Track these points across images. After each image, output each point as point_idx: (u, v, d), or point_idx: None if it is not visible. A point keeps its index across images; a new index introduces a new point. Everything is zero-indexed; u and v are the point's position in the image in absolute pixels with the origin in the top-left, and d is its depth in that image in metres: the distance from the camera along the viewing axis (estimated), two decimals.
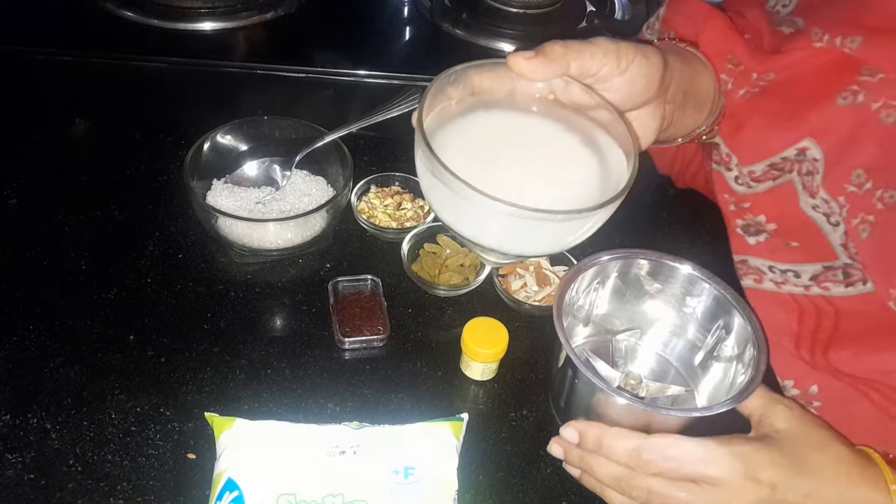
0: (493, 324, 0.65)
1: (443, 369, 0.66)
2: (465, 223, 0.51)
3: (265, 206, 0.74)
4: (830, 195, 0.58)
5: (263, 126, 0.77)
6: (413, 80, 0.91)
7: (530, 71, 0.51)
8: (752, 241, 0.64)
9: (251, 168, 0.77)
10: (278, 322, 0.69)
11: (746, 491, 0.49)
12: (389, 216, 0.77)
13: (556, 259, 0.75)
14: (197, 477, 0.57)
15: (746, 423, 0.55)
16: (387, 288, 0.71)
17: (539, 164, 0.53)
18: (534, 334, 0.69)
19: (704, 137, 0.66)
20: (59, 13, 0.99)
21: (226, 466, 0.54)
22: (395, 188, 0.81)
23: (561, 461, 0.57)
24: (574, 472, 0.56)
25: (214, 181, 0.76)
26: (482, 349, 0.63)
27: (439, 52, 1.00)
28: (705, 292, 0.60)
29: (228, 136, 0.76)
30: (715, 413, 0.52)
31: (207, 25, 0.98)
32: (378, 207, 0.78)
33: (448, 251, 0.74)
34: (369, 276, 0.70)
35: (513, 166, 0.52)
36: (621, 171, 0.52)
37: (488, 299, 0.72)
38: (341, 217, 0.75)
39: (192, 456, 0.58)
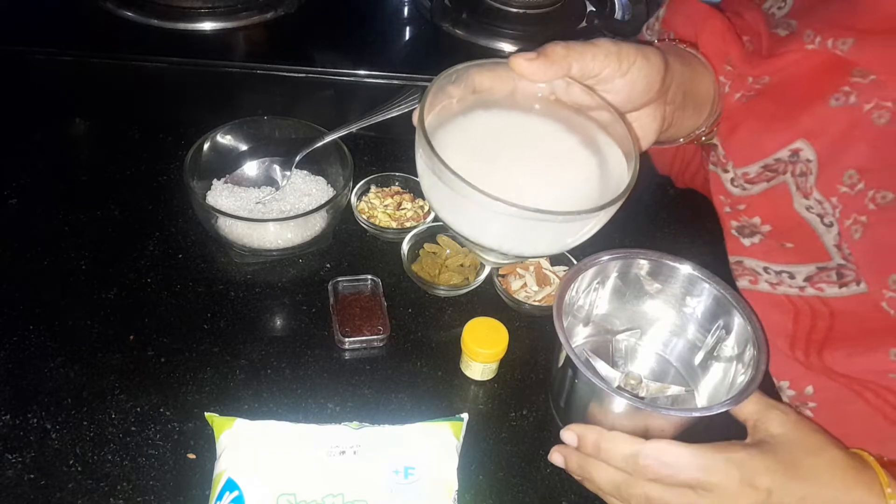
0: (493, 324, 0.65)
1: (443, 369, 0.66)
2: (465, 223, 0.51)
3: (265, 206, 0.74)
4: (824, 196, 0.59)
5: (263, 126, 0.77)
6: (413, 80, 0.91)
7: (532, 72, 0.51)
8: (746, 242, 0.65)
9: (251, 168, 0.77)
10: (278, 322, 0.69)
11: (743, 497, 0.49)
12: (389, 216, 0.77)
13: (556, 259, 0.75)
14: (197, 477, 0.57)
15: (744, 425, 0.55)
16: (387, 288, 0.71)
17: (539, 164, 0.53)
18: (534, 334, 0.69)
19: (704, 139, 0.66)
20: (59, 13, 0.99)
21: (226, 466, 0.54)
22: (395, 188, 0.81)
23: None
24: (576, 477, 0.57)
25: (214, 181, 0.76)
26: (482, 349, 0.63)
27: (439, 52, 1.00)
28: (705, 292, 0.60)
29: (228, 136, 0.76)
30: (714, 413, 0.53)
31: (207, 25, 0.98)
32: (378, 207, 0.78)
33: (448, 251, 0.74)
34: (369, 276, 0.70)
35: (513, 166, 0.52)
36: (622, 172, 0.52)
37: (488, 299, 0.72)
38: (341, 217, 0.75)
39: (192, 456, 0.58)
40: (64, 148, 0.83)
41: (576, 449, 0.55)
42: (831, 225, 0.59)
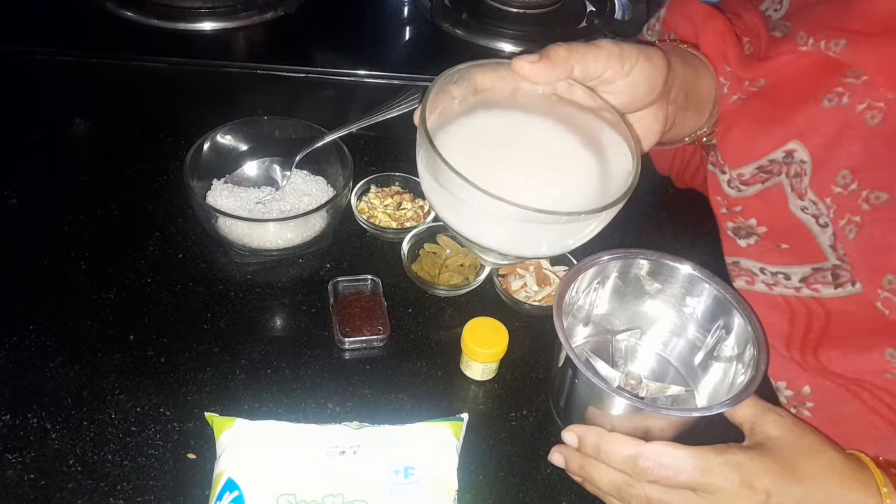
0: (493, 324, 0.65)
1: (443, 369, 0.66)
2: (466, 223, 0.51)
3: (265, 206, 0.74)
4: (818, 197, 0.59)
5: (263, 126, 0.77)
6: (413, 80, 0.91)
7: (534, 75, 0.51)
8: (742, 243, 0.65)
9: (251, 168, 0.77)
10: (278, 322, 0.69)
11: (742, 499, 0.50)
12: (389, 216, 0.77)
13: (556, 259, 0.75)
14: (197, 477, 0.57)
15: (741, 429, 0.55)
16: (387, 288, 0.71)
17: (541, 164, 0.53)
18: (534, 334, 0.69)
19: (705, 139, 0.66)
20: (59, 13, 0.99)
21: (226, 466, 0.54)
22: (395, 188, 0.81)
23: None
24: (576, 478, 0.57)
25: (214, 181, 0.76)
26: (482, 349, 0.63)
27: (439, 52, 1.00)
28: (705, 292, 0.60)
29: (228, 136, 0.76)
30: (715, 413, 0.53)
31: (207, 25, 0.98)
32: (378, 207, 0.78)
33: (448, 251, 0.74)
34: (369, 276, 0.70)
35: (514, 166, 0.52)
36: (623, 173, 0.52)
37: (488, 299, 0.72)
38: (341, 217, 0.75)
39: (192, 456, 0.58)
40: (64, 148, 0.83)
41: (576, 450, 0.55)
42: (826, 226, 0.59)
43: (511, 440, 0.62)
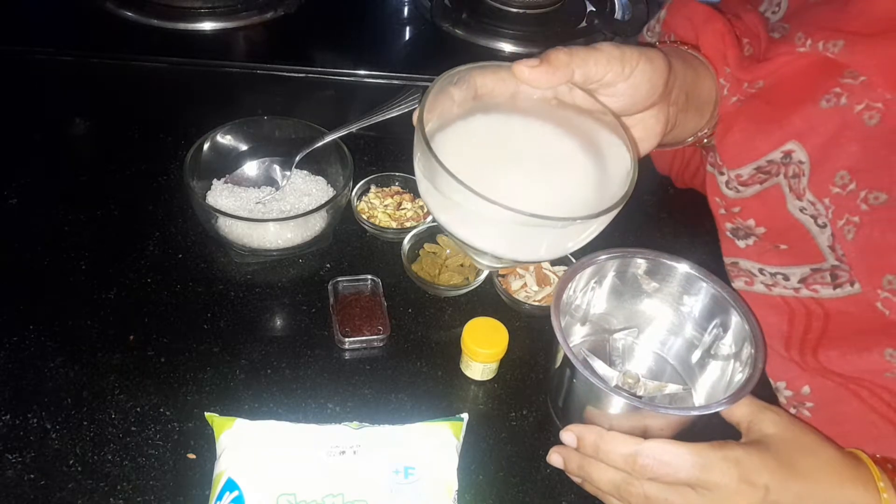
0: (493, 324, 0.65)
1: (443, 369, 0.66)
2: (461, 225, 0.50)
3: (265, 206, 0.74)
4: (816, 197, 0.59)
5: (263, 126, 0.77)
6: (413, 80, 0.91)
7: (535, 79, 0.51)
8: (741, 244, 0.65)
9: (251, 168, 0.77)
10: (278, 322, 0.69)
11: (741, 494, 0.50)
12: (389, 216, 0.77)
13: (556, 259, 0.75)
14: (197, 477, 0.57)
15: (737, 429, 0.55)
16: (387, 288, 0.71)
17: (539, 168, 0.53)
18: (534, 334, 0.69)
19: (706, 141, 0.66)
20: (59, 13, 1.00)
21: (226, 466, 0.54)
22: (395, 188, 0.81)
23: None
24: (576, 479, 0.57)
25: (214, 181, 0.76)
26: (482, 349, 0.63)
27: (439, 53, 1.00)
28: (702, 291, 0.61)
29: (228, 136, 0.76)
30: (713, 412, 0.53)
31: (207, 25, 0.98)
32: (378, 207, 0.78)
33: (448, 251, 0.74)
34: (369, 276, 0.70)
35: (512, 169, 0.52)
36: (621, 176, 0.52)
37: (488, 299, 0.72)
38: (341, 217, 0.75)
39: (192, 456, 0.58)
40: (64, 148, 0.83)
41: (575, 450, 0.55)
42: (825, 226, 0.59)
43: (511, 440, 0.62)
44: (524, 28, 1.03)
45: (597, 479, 0.54)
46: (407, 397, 0.64)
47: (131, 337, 0.65)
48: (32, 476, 0.56)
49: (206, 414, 0.58)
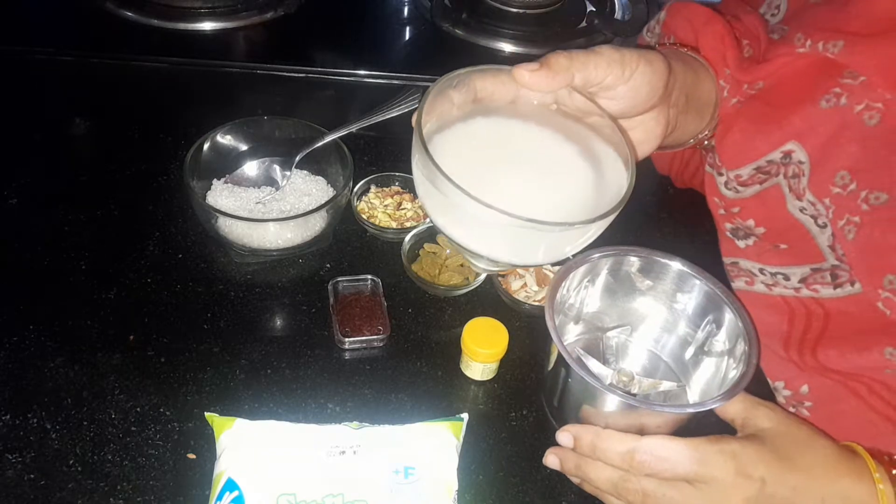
0: (493, 324, 0.65)
1: (443, 369, 0.66)
2: (457, 228, 0.50)
3: (265, 206, 0.74)
4: (816, 197, 0.59)
5: (263, 126, 0.77)
6: (413, 81, 0.91)
7: (535, 83, 0.51)
8: (741, 244, 0.65)
9: (251, 168, 0.77)
10: (278, 322, 0.69)
11: (738, 487, 0.50)
12: (389, 216, 0.77)
13: None
14: (197, 477, 0.57)
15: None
16: (387, 288, 0.71)
17: (537, 172, 0.53)
18: (534, 334, 0.69)
19: (707, 142, 0.66)
20: (59, 13, 1.00)
21: (226, 466, 0.54)
22: (395, 188, 0.81)
23: None
24: (574, 479, 0.57)
25: (214, 181, 0.76)
26: (482, 349, 0.63)
27: (439, 53, 1.00)
28: (696, 288, 0.61)
29: (228, 136, 0.76)
30: (708, 409, 0.53)
31: (207, 25, 0.98)
32: (378, 207, 0.78)
33: (448, 251, 0.74)
34: (369, 276, 0.70)
35: (511, 173, 0.52)
36: (619, 180, 0.52)
37: (488, 299, 0.72)
38: (341, 217, 0.75)
39: (192, 456, 0.58)
40: (64, 148, 0.83)
41: (571, 450, 0.55)
42: (825, 226, 0.59)
43: (511, 440, 0.62)
44: (524, 28, 1.03)
45: (594, 478, 0.54)
46: (407, 397, 0.64)
47: (131, 337, 0.65)
48: (32, 476, 0.56)
49: (206, 414, 0.58)
